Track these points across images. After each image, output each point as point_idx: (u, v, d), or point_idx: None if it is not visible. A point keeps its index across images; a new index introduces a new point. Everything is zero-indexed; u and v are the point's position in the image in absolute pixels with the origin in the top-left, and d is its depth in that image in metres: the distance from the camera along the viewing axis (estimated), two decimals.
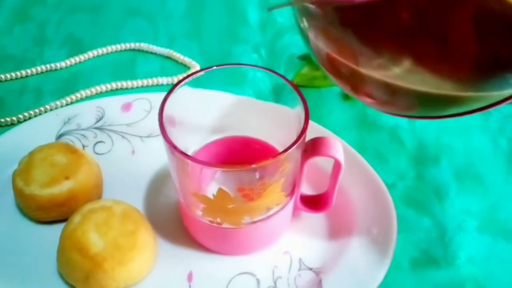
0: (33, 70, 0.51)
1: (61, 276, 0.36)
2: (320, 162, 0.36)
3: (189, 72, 0.51)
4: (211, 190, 0.34)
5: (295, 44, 0.54)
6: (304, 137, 0.33)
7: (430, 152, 0.45)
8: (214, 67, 0.36)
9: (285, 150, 0.31)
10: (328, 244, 0.38)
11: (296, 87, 0.35)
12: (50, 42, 0.54)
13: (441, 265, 0.38)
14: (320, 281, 0.36)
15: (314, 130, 0.39)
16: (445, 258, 0.38)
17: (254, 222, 0.35)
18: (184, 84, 0.35)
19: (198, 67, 0.52)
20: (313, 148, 0.35)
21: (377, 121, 0.47)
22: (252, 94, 0.43)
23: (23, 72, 0.51)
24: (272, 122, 0.38)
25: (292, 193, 0.36)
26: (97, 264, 0.34)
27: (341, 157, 0.35)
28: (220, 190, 0.33)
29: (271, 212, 0.35)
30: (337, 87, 0.50)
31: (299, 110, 0.34)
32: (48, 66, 0.51)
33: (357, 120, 0.47)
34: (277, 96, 0.37)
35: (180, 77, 0.51)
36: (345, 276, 0.36)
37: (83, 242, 0.35)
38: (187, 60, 0.52)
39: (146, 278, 0.36)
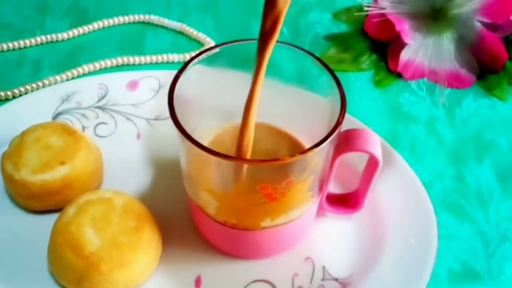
0: (32, 40, 0.49)
1: (52, 276, 0.33)
2: (348, 156, 0.32)
3: (203, 49, 0.47)
4: (227, 186, 0.30)
5: (320, 23, 0.51)
6: (339, 130, 0.28)
7: (471, 149, 0.41)
8: (230, 43, 0.33)
9: (317, 144, 0.28)
10: (356, 251, 0.34)
11: (331, 69, 0.30)
12: (52, 11, 0.51)
13: (483, 280, 0.34)
14: None
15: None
16: (489, 272, 0.35)
17: (275, 225, 0.31)
18: (198, 62, 0.32)
19: (212, 44, 0.49)
20: (346, 142, 0.31)
21: (412, 111, 0.44)
22: (272, 74, 0.39)
23: (21, 43, 0.49)
24: (298, 108, 0.34)
25: (319, 192, 0.32)
26: (93, 265, 0.31)
27: (379, 153, 0.31)
28: (237, 187, 0.29)
29: (294, 214, 0.31)
30: (368, 72, 0.46)
31: (332, 96, 0.31)
32: (48, 37, 0.49)
33: (389, 110, 0.44)
34: (301, 78, 0.33)
35: (193, 54, 0.47)
36: None
37: (77, 238, 0.32)
38: (201, 36, 0.49)
39: (148, 282, 0.33)
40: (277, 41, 0.32)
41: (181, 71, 0.31)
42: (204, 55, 0.32)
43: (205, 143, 0.34)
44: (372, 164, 0.31)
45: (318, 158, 0.29)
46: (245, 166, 0.28)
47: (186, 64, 0.32)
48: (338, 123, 0.28)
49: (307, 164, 0.28)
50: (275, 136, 0.35)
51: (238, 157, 0.29)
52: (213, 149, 0.28)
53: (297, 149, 0.33)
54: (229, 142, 0.33)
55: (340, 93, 0.29)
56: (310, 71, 0.32)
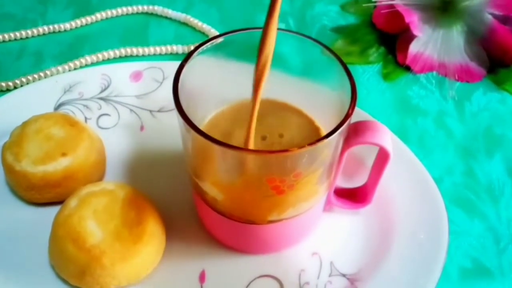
0: (34, 31, 0.48)
1: (53, 269, 0.32)
2: (357, 150, 0.31)
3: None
4: (232, 178, 0.29)
5: (327, 15, 0.50)
6: (349, 121, 0.28)
7: (481, 143, 0.40)
8: (234, 32, 0.32)
9: (327, 135, 0.26)
10: (365, 247, 0.33)
11: (340, 58, 0.29)
12: (54, 1, 0.51)
13: (494, 276, 0.33)
14: None
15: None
16: (500, 268, 0.34)
17: (281, 219, 0.30)
18: (202, 52, 0.31)
19: None
20: (356, 134, 0.30)
21: (421, 105, 0.43)
22: (278, 65, 0.38)
23: (23, 33, 0.48)
24: (305, 100, 0.33)
25: (327, 186, 0.31)
26: (95, 258, 0.30)
27: (389, 146, 0.30)
28: (244, 179, 0.28)
29: (302, 207, 0.30)
30: (376, 65, 0.45)
31: (341, 85, 0.29)
32: (50, 27, 0.48)
33: (398, 103, 0.43)
34: (309, 68, 0.32)
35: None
36: (385, 286, 0.31)
37: (79, 231, 0.31)
38: (205, 27, 0.49)
39: (151, 276, 0.32)
40: (284, 30, 0.32)
41: (185, 60, 0.30)
42: (208, 44, 0.31)
43: (209, 132, 0.33)
44: (382, 157, 0.31)
45: (327, 149, 0.28)
46: (252, 157, 0.27)
47: (190, 54, 0.31)
48: (348, 114, 0.27)
49: (317, 155, 0.27)
50: (286, 114, 0.33)
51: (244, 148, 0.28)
52: (212, 133, 0.27)
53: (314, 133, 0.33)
54: (234, 125, 0.32)
55: (350, 81, 0.28)
56: (318, 61, 0.31)
